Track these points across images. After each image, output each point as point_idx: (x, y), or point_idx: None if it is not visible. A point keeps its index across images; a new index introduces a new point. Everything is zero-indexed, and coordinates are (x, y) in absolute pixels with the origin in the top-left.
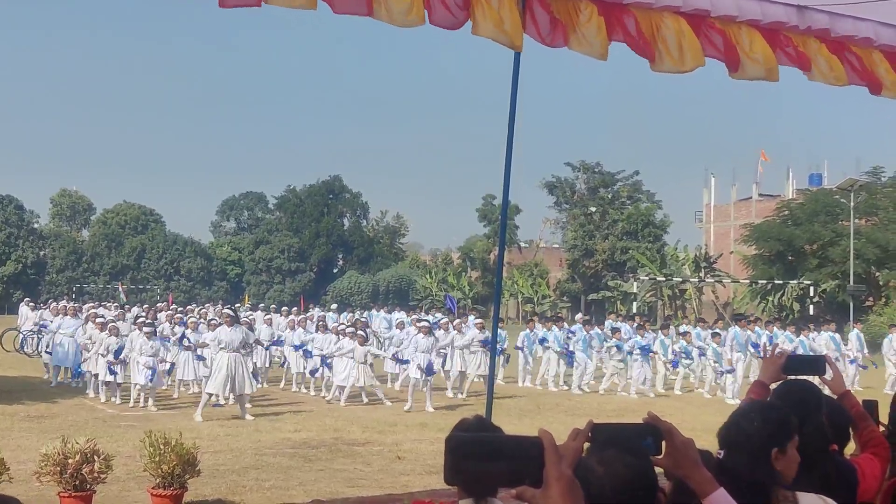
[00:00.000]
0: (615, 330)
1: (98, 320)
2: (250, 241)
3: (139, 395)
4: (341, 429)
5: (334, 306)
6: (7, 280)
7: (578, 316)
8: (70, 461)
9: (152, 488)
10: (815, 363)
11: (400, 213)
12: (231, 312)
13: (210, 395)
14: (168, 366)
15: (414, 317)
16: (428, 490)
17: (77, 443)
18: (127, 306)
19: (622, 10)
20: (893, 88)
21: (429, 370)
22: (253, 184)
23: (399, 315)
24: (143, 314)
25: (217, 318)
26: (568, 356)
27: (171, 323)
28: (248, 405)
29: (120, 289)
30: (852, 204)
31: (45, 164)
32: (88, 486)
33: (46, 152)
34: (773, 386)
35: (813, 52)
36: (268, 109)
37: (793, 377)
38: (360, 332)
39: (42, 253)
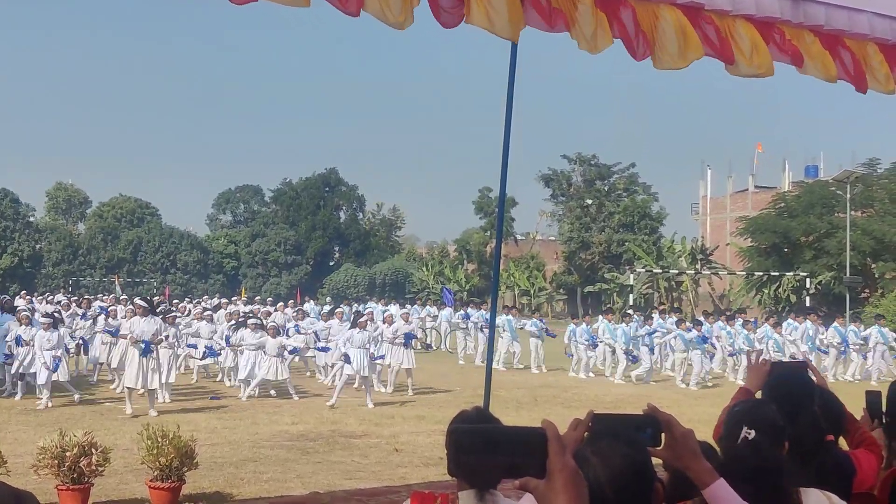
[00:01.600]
0: (680, 321)
1: (23, 314)
2: (246, 233)
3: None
4: (339, 421)
5: (329, 299)
6: (3, 273)
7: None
8: (68, 454)
9: (150, 481)
10: (798, 370)
11: (396, 206)
12: (144, 304)
13: (130, 389)
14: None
15: (339, 308)
16: (426, 482)
17: (75, 436)
18: (124, 299)
19: (620, 2)
20: (886, 82)
21: (347, 359)
22: (249, 177)
23: (393, 308)
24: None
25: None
26: (632, 356)
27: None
28: (166, 398)
29: (116, 282)
30: (848, 196)
31: (40, 158)
32: (86, 479)
33: (42, 146)
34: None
35: (806, 47)
36: (264, 104)
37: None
38: (270, 323)
39: (38, 246)
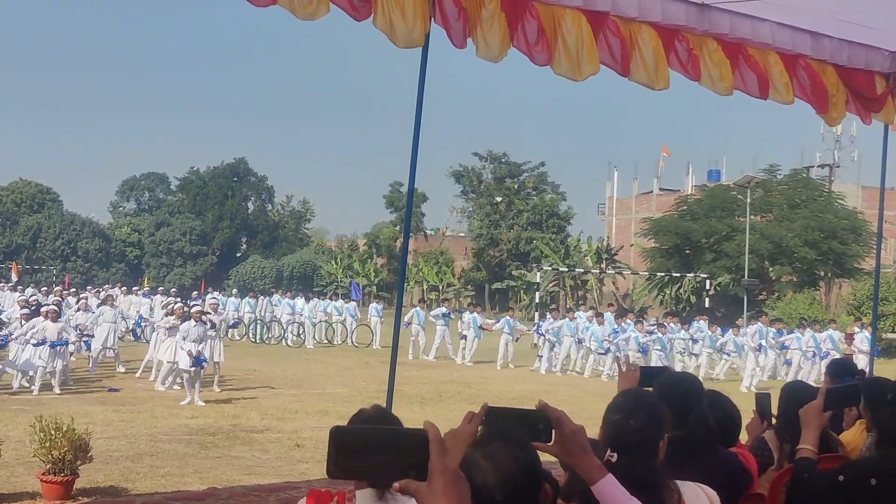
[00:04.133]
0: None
1: None
2: (151, 222)
3: None
4: (240, 416)
5: (235, 290)
6: None
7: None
8: None
9: (42, 474)
10: (661, 374)
11: (306, 198)
12: None
13: None
14: None
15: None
16: (326, 478)
17: None
18: (20, 287)
19: (525, 4)
20: (786, 92)
21: (197, 361)
22: (155, 164)
23: (300, 301)
24: None
25: None
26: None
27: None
28: None
29: (12, 269)
30: (748, 200)
31: None
32: None
33: None
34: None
35: (708, 54)
36: (173, 90)
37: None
38: (52, 307)
39: None
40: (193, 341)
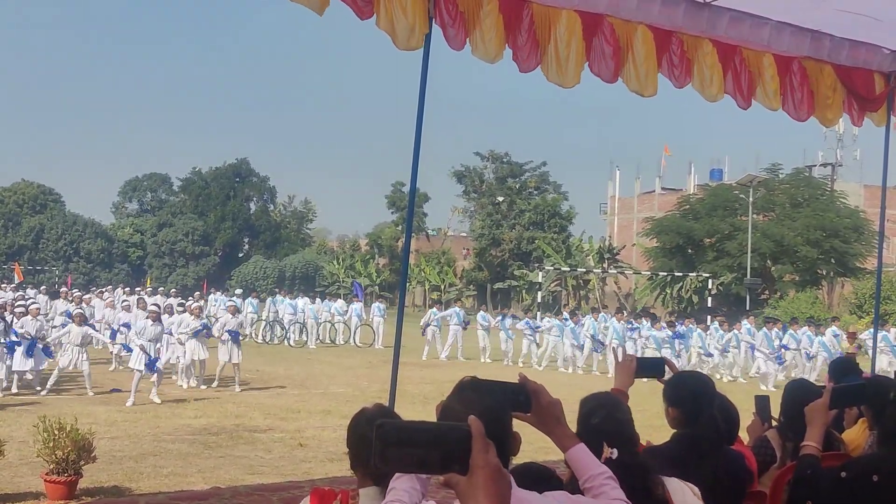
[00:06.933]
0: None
1: None
2: (153, 223)
3: None
4: (243, 415)
5: (239, 291)
6: None
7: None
8: None
9: (46, 474)
10: (657, 365)
11: (308, 199)
12: None
13: None
14: None
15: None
16: (329, 477)
17: None
18: (24, 287)
19: (522, 6)
20: (774, 98)
21: (151, 364)
22: (157, 165)
23: (301, 301)
24: None
25: None
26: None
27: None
28: None
29: (15, 270)
30: (751, 199)
31: None
32: None
33: None
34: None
35: (701, 57)
36: (174, 91)
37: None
38: (77, 310)
39: None
40: (149, 340)
